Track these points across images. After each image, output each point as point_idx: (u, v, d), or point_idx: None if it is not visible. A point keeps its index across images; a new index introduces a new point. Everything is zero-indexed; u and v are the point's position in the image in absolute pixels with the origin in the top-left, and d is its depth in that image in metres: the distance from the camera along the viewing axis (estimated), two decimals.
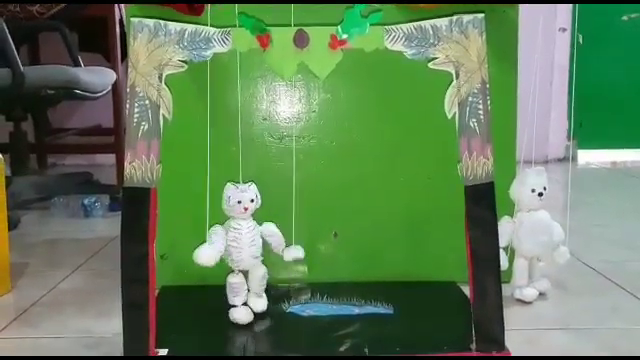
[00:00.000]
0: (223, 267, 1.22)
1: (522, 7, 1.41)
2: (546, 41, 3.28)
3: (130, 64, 1.06)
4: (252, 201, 1.21)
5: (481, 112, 1.08)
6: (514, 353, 1.11)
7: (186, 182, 1.42)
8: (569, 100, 3.45)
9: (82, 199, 2.28)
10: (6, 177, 1.50)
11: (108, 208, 2.29)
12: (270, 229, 1.26)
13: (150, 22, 1.06)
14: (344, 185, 1.47)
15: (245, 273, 1.25)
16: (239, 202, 1.20)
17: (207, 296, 1.37)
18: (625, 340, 1.19)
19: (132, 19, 1.06)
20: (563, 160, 3.46)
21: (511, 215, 1.36)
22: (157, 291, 1.12)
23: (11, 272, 1.50)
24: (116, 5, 2.65)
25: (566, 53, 3.43)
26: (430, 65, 1.09)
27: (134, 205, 1.07)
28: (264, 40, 1.08)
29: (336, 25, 1.09)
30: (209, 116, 1.40)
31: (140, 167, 1.06)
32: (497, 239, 1.11)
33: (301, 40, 1.08)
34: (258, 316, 1.26)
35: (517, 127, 1.45)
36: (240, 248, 1.21)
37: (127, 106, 1.06)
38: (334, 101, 1.45)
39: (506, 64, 1.40)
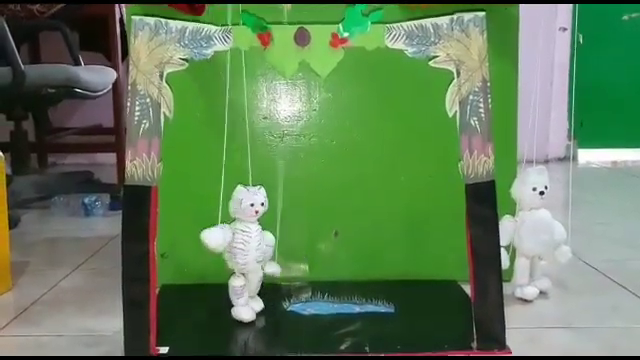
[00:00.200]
0: (223, 266, 1.22)
1: (522, 7, 1.41)
2: (546, 41, 3.28)
3: (131, 62, 1.06)
4: (262, 204, 1.21)
5: (482, 110, 1.08)
6: (515, 352, 1.11)
7: (187, 181, 1.42)
8: (569, 99, 3.45)
9: (82, 198, 2.28)
10: (7, 176, 1.50)
11: (108, 207, 2.29)
12: (271, 238, 1.26)
13: (151, 20, 1.06)
14: (345, 184, 1.47)
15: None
16: (252, 205, 1.20)
17: (207, 295, 1.37)
18: (626, 339, 1.19)
19: (133, 17, 1.06)
20: (563, 159, 3.46)
21: (513, 214, 1.36)
22: (157, 290, 1.12)
23: (11, 270, 1.51)
24: (116, 4, 2.65)
25: (566, 52, 3.43)
26: (431, 63, 1.09)
27: (135, 203, 1.07)
28: (265, 38, 1.08)
29: (337, 23, 1.09)
30: (209, 115, 1.41)
31: (141, 165, 1.06)
32: (498, 237, 1.11)
33: (302, 38, 1.08)
34: (259, 314, 1.26)
35: (518, 126, 1.45)
36: (247, 251, 1.20)
37: (128, 104, 1.06)
38: (335, 100, 1.45)
39: (507, 62, 1.40)
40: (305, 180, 1.45)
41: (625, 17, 3.45)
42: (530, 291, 1.36)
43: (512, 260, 1.36)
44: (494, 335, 1.11)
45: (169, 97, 1.07)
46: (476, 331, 1.11)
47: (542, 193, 1.33)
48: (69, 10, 2.53)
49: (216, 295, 1.28)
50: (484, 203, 1.10)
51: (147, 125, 1.06)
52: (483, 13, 1.08)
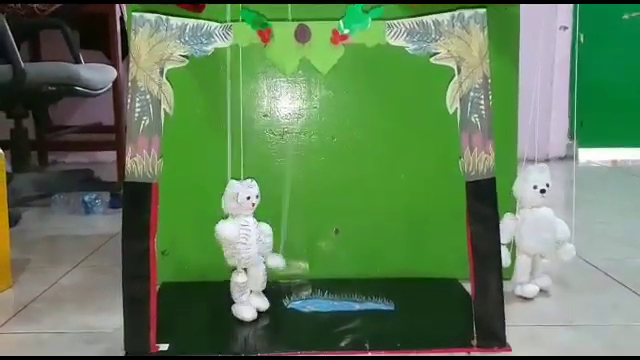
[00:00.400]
0: (223, 263, 1.22)
1: (523, 6, 1.41)
2: (547, 40, 3.28)
3: (131, 59, 1.06)
4: (257, 197, 1.21)
5: (483, 107, 1.08)
6: (515, 349, 1.11)
7: (187, 178, 1.42)
8: (570, 99, 3.45)
9: (83, 196, 2.28)
10: (7, 174, 1.50)
11: (109, 205, 2.29)
12: (268, 230, 1.26)
13: (151, 17, 1.06)
14: (345, 182, 1.47)
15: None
16: (248, 198, 1.20)
17: (207, 292, 1.37)
18: (626, 337, 1.19)
19: (133, 14, 1.07)
20: (564, 159, 3.46)
21: (513, 211, 1.36)
22: (158, 287, 1.12)
23: (12, 268, 1.50)
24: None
25: (567, 51, 3.43)
26: (432, 60, 1.09)
27: (135, 200, 1.07)
28: (265, 35, 1.08)
29: (338, 20, 1.09)
30: (210, 112, 1.40)
31: (141, 162, 1.06)
32: (498, 235, 1.11)
33: (302, 35, 1.08)
34: (259, 312, 1.26)
35: (518, 124, 1.44)
36: (249, 245, 1.20)
37: (128, 101, 1.06)
38: (335, 97, 1.45)
39: (507, 61, 1.39)
40: (305, 178, 1.45)
41: (625, 16, 3.44)
42: (530, 289, 1.35)
43: (513, 258, 1.36)
44: (494, 333, 1.11)
45: (169, 94, 1.07)
46: (476, 329, 1.12)
47: (543, 191, 1.32)
48: (69, 8, 2.53)
49: (216, 293, 1.28)
50: (484, 201, 1.10)
51: (147, 122, 1.06)
52: (484, 10, 1.08)
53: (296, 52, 1.10)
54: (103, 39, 2.75)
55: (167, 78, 1.07)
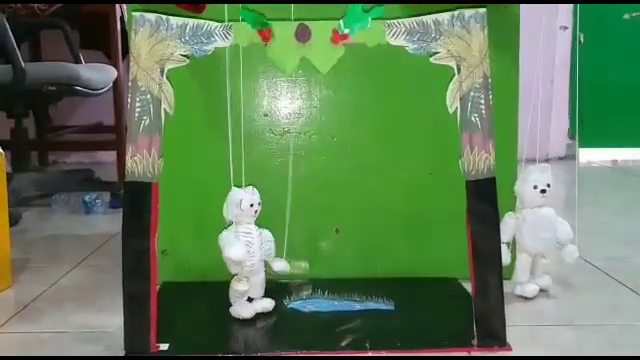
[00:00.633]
0: (223, 263, 1.22)
1: (523, 6, 1.41)
2: (547, 40, 3.28)
3: (132, 58, 1.06)
4: (259, 204, 1.21)
5: (483, 107, 1.08)
6: (515, 349, 1.11)
7: (188, 178, 1.42)
8: (570, 98, 3.45)
9: (83, 196, 2.28)
10: (7, 174, 1.50)
11: (109, 205, 2.29)
12: (269, 236, 1.25)
13: (152, 16, 1.06)
14: (345, 181, 1.47)
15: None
16: (251, 205, 1.19)
17: (208, 292, 1.37)
18: (626, 337, 1.19)
19: (134, 13, 1.07)
20: (564, 158, 3.46)
21: (514, 211, 1.36)
22: (158, 287, 1.12)
23: (12, 268, 1.51)
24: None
25: (567, 51, 3.43)
26: (432, 60, 1.09)
27: (135, 200, 1.07)
28: (265, 34, 1.08)
29: (338, 20, 1.09)
30: (210, 111, 1.40)
31: (141, 161, 1.06)
32: (498, 234, 1.11)
33: (303, 34, 1.08)
34: (263, 312, 1.26)
35: (519, 124, 1.44)
36: (253, 253, 1.20)
37: (129, 100, 1.06)
38: (335, 97, 1.45)
39: (508, 61, 1.39)
40: (306, 177, 1.45)
41: (626, 16, 3.44)
42: (530, 288, 1.35)
43: (513, 257, 1.36)
44: (494, 332, 1.11)
45: (170, 93, 1.07)
46: (476, 328, 1.12)
47: (544, 191, 1.32)
48: (70, 8, 2.53)
49: (216, 292, 1.28)
50: (485, 200, 1.10)
51: (148, 121, 1.06)
52: (484, 9, 1.08)
53: (296, 52, 1.10)
54: (103, 39, 2.75)
55: (167, 78, 1.07)
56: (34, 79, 2.12)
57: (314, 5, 1.26)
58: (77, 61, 2.54)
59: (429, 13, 1.08)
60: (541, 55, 1.40)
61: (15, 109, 2.39)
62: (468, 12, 1.08)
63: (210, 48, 1.08)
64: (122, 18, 2.67)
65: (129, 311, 1.08)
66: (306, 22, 1.09)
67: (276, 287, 1.36)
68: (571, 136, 3.49)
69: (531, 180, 1.33)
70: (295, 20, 1.10)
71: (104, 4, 2.61)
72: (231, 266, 1.20)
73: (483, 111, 1.08)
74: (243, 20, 1.08)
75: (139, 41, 1.06)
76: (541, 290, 1.37)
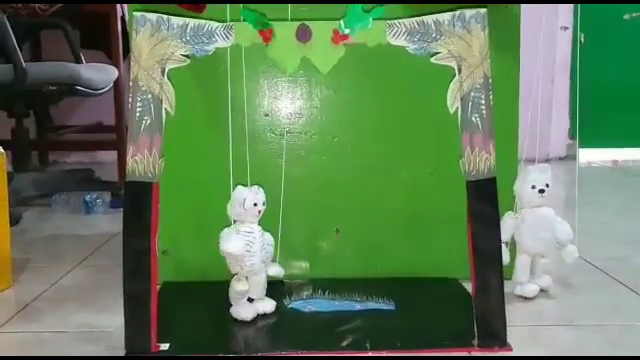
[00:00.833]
0: (224, 263, 1.22)
1: (524, 6, 1.41)
2: (548, 40, 3.28)
3: (133, 58, 1.06)
4: (263, 204, 1.21)
5: (483, 107, 1.08)
6: (515, 349, 1.11)
7: (188, 178, 1.42)
8: (571, 99, 3.45)
9: (83, 195, 2.28)
10: (8, 173, 1.50)
11: (109, 205, 2.29)
12: (270, 238, 1.25)
13: (153, 16, 1.06)
14: (346, 181, 1.47)
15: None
16: (255, 205, 1.19)
17: (208, 292, 1.37)
18: (626, 337, 1.19)
19: (135, 13, 1.07)
20: (565, 159, 3.46)
21: (514, 211, 1.36)
22: (158, 287, 1.12)
23: (12, 267, 1.51)
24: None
25: (568, 52, 3.43)
26: (432, 60, 1.09)
27: (136, 199, 1.07)
28: (267, 34, 1.08)
29: (338, 20, 1.09)
30: (211, 112, 1.41)
31: (142, 161, 1.06)
32: (499, 234, 1.11)
33: (304, 34, 1.08)
34: (264, 313, 1.26)
35: (519, 124, 1.45)
36: (253, 252, 1.20)
37: (130, 100, 1.06)
38: (336, 97, 1.45)
39: (508, 61, 1.39)
40: (306, 177, 1.45)
41: (626, 16, 3.44)
42: (530, 288, 1.35)
43: (513, 257, 1.36)
44: (495, 332, 1.11)
45: (171, 93, 1.08)
46: (477, 328, 1.12)
47: (542, 191, 1.32)
48: (70, 8, 2.53)
49: (217, 292, 1.28)
50: (485, 200, 1.10)
51: (148, 121, 1.06)
52: (485, 9, 1.08)
53: (297, 52, 1.10)
54: (104, 39, 2.75)
55: (168, 78, 1.07)
56: (35, 79, 2.12)
57: (315, 5, 1.26)
58: (78, 61, 2.54)
59: (430, 13, 1.08)
60: (541, 55, 1.40)
61: (16, 109, 2.40)
62: (469, 12, 1.08)
63: (211, 48, 1.08)
64: (123, 18, 2.67)
65: (130, 311, 1.08)
66: (307, 22, 1.09)
67: (276, 287, 1.36)
68: (571, 136, 3.49)
69: (530, 180, 1.33)
70: (296, 20, 1.10)
71: (105, 4, 2.61)
72: (231, 264, 1.20)
73: (484, 111, 1.08)
74: (244, 20, 1.08)
75: (140, 41, 1.06)
76: (541, 290, 1.37)
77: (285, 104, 1.45)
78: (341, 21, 1.09)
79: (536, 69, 1.46)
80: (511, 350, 1.11)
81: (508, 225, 1.33)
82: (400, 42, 1.09)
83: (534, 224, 1.34)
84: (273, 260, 1.28)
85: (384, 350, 1.11)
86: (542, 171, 1.34)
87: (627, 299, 1.39)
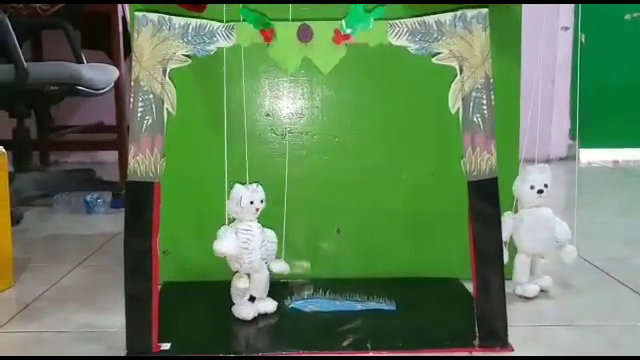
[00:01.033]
0: (225, 263, 1.22)
1: (525, 6, 1.41)
2: (548, 40, 3.28)
3: (134, 58, 1.06)
4: (262, 202, 1.21)
5: (485, 107, 1.08)
6: (516, 349, 1.11)
7: (189, 178, 1.42)
8: (572, 99, 3.45)
9: (84, 195, 2.28)
10: (9, 173, 1.50)
11: (110, 205, 2.29)
12: (272, 235, 1.25)
13: (154, 16, 1.06)
14: (347, 181, 1.47)
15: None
16: (251, 202, 1.20)
17: (209, 292, 1.37)
18: (627, 337, 1.19)
19: (136, 13, 1.07)
20: (565, 159, 3.46)
21: (516, 211, 1.36)
22: (159, 287, 1.12)
23: (14, 267, 1.51)
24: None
25: (568, 52, 3.43)
26: (434, 60, 1.09)
27: (137, 199, 1.08)
28: (268, 34, 1.08)
29: (340, 20, 1.09)
30: (212, 112, 1.40)
31: (144, 161, 1.06)
32: (500, 234, 1.11)
33: (305, 34, 1.08)
34: (265, 313, 1.26)
35: (520, 124, 1.44)
36: (252, 250, 1.20)
37: (131, 100, 1.06)
38: (337, 97, 1.45)
39: (509, 61, 1.39)
40: (307, 177, 1.45)
41: (627, 16, 3.44)
42: (530, 288, 1.36)
43: (512, 257, 1.36)
44: (496, 332, 1.11)
45: (172, 93, 1.08)
46: (478, 328, 1.12)
47: (540, 192, 1.32)
48: (72, 8, 2.53)
49: (218, 292, 1.28)
50: (487, 200, 1.10)
51: (150, 121, 1.06)
52: (486, 10, 1.08)
53: (298, 52, 1.10)
54: (105, 39, 2.75)
55: (170, 78, 1.07)
56: (36, 79, 2.12)
57: (316, 5, 1.26)
58: (79, 61, 2.54)
59: (431, 13, 1.08)
60: (542, 55, 1.40)
61: (17, 109, 2.39)
62: (470, 12, 1.08)
63: (212, 48, 1.08)
64: (124, 18, 2.67)
65: (130, 311, 1.08)
66: (308, 22, 1.09)
67: (277, 287, 1.36)
68: (572, 136, 3.49)
69: (529, 180, 1.33)
70: (297, 20, 1.10)
71: (106, 4, 2.62)
72: (231, 262, 1.21)
73: (485, 111, 1.08)
74: (244, 20, 1.08)
75: (142, 41, 1.06)
76: (541, 290, 1.38)
77: (286, 104, 1.45)
78: (342, 21, 1.09)
79: (537, 69, 1.46)
80: (512, 350, 1.11)
81: (507, 225, 1.33)
82: (401, 42, 1.09)
83: (533, 224, 1.34)
84: (278, 257, 1.27)
85: (385, 350, 1.11)
86: (541, 171, 1.34)
87: (627, 299, 1.39)
